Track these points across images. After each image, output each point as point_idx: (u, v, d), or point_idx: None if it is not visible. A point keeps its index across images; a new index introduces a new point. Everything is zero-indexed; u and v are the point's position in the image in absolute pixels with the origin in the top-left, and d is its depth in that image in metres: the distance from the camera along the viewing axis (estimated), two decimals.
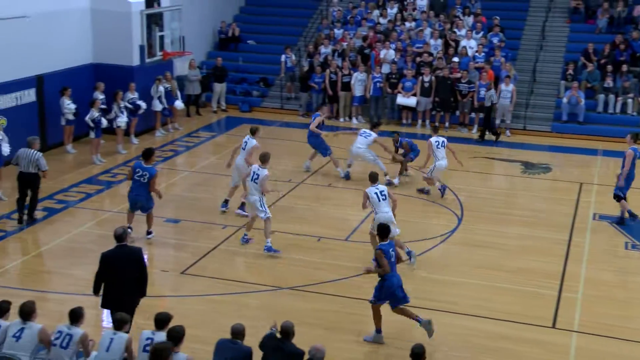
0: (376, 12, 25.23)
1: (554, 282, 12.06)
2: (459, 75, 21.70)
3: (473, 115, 21.83)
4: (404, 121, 22.40)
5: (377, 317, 10.02)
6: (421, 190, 15.99)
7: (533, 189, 16.87)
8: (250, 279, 11.97)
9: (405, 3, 25.33)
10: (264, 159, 12.81)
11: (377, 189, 11.94)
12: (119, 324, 8.11)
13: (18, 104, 17.39)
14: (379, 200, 11.83)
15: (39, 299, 10.53)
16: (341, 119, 22.68)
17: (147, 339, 8.00)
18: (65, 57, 19.08)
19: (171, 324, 8.03)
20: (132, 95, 19.16)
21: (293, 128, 21.94)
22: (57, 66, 18.72)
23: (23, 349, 7.98)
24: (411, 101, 21.88)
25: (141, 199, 12.75)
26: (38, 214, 14.29)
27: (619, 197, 14.52)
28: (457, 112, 22.02)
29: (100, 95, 18.48)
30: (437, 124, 19.96)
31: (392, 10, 25.04)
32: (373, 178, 12.16)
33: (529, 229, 14.34)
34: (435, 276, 12.18)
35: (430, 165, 15.52)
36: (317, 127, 16.69)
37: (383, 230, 9.93)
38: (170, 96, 20.40)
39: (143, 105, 19.25)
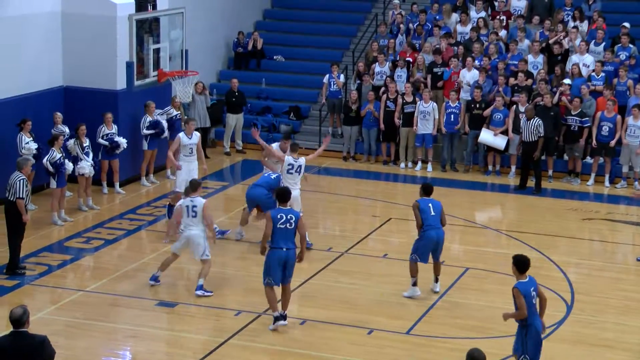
0: (454, 16, 25.26)
1: None
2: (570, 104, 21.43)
3: (589, 159, 21.66)
4: (490, 168, 22.29)
5: None
6: None
7: None
8: None
9: (496, 3, 25.30)
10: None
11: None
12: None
13: None
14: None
15: None
16: (401, 165, 22.67)
17: None
18: (26, 78, 19.44)
19: None
20: (109, 130, 19.41)
21: (335, 176, 22.00)
22: (13, 90, 19.08)
23: None
24: (499, 141, 21.76)
25: None
26: None
27: None
28: (565, 156, 21.84)
29: (62, 129, 18.74)
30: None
31: (478, 15, 24.98)
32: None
33: None
34: None
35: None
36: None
37: None
38: (179, 126, 20.59)
39: (123, 142, 19.45)
